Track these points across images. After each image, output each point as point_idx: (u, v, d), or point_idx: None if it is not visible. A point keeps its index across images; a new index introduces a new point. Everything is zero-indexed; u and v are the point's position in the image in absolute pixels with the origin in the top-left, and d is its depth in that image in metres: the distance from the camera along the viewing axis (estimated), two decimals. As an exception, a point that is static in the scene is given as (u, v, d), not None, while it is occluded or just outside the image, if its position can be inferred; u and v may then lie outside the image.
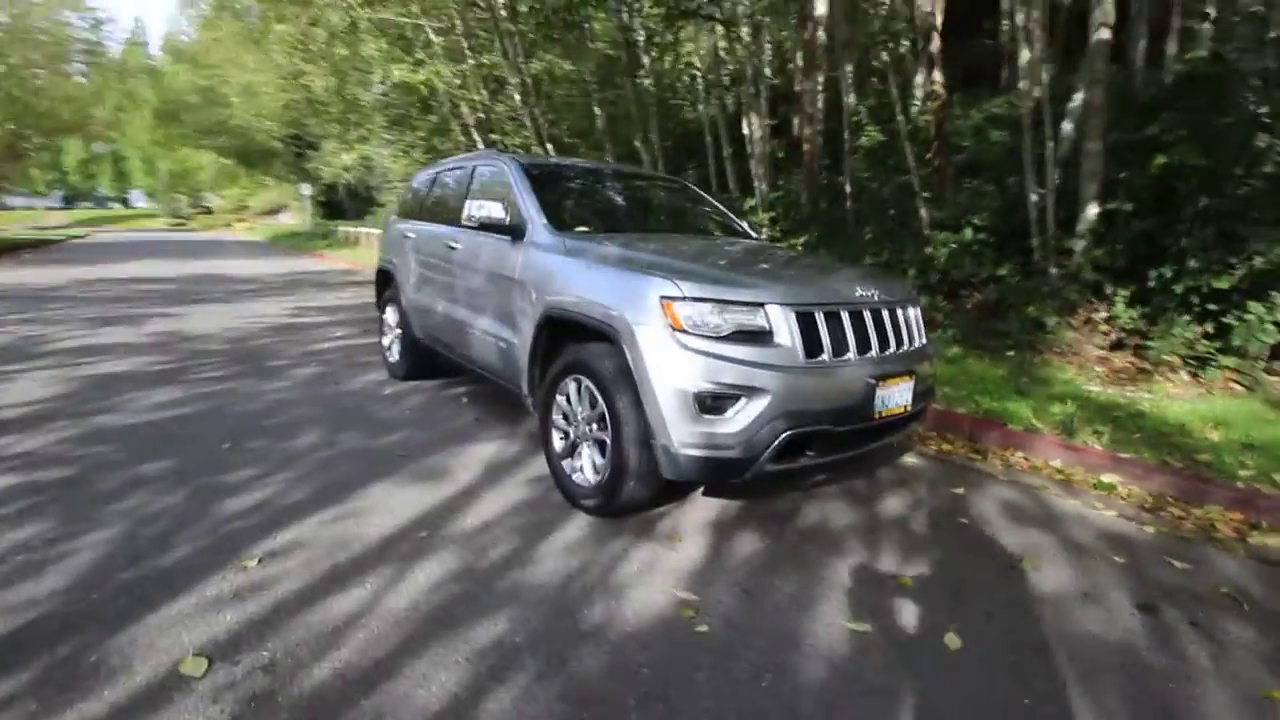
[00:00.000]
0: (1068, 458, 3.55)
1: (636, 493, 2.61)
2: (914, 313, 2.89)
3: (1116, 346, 5.27)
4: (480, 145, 13.39)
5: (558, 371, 2.90)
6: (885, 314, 2.69)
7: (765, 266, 2.91)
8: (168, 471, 3.11)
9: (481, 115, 12.79)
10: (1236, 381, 4.40)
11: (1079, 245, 5.69)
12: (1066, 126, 6.55)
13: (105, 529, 2.53)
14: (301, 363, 5.45)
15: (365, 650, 1.90)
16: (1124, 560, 2.58)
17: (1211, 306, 4.61)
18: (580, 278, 2.79)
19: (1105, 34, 5.41)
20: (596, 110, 11.16)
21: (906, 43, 8.36)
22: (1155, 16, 7.75)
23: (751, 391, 2.35)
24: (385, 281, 5.21)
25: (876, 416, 2.58)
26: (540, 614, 2.10)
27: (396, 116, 14.65)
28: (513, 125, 12.91)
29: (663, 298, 2.43)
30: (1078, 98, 5.98)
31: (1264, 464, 3.22)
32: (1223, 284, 4.46)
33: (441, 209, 4.41)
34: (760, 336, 2.40)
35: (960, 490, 3.21)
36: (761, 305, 2.42)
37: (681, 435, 2.38)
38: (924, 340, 2.91)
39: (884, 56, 8.61)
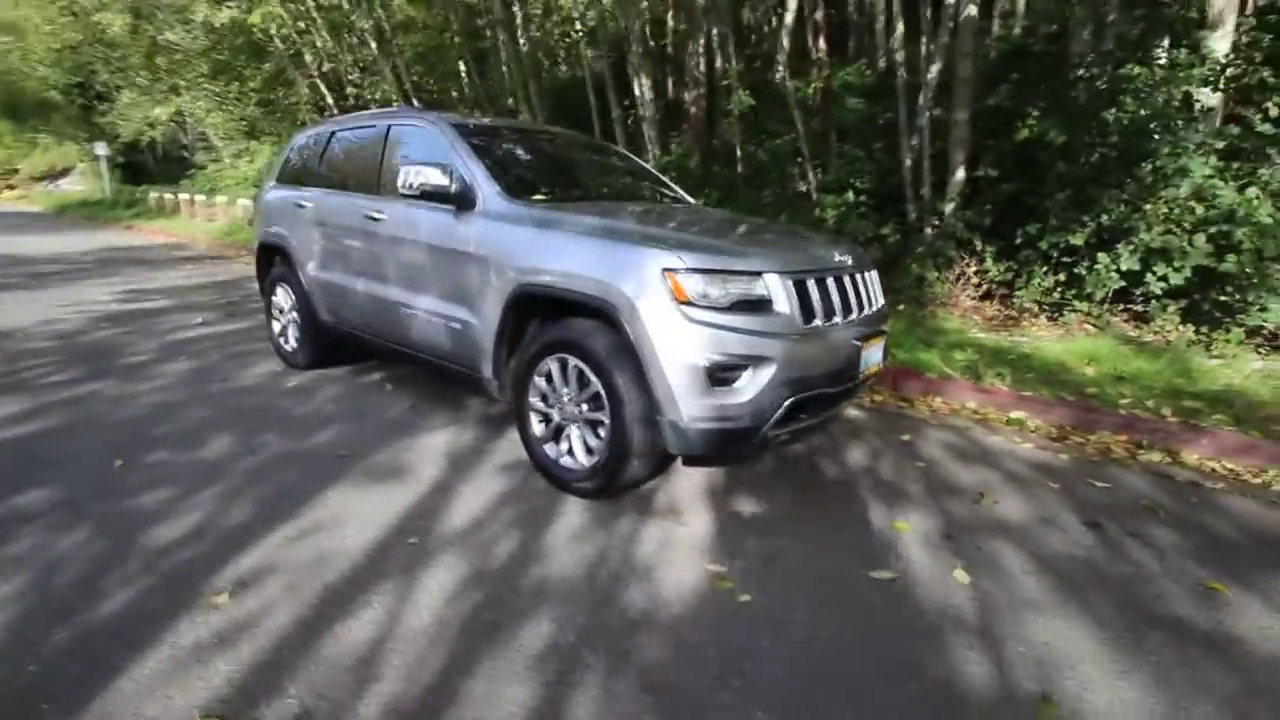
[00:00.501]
0: (980, 399, 3.97)
1: (639, 472, 2.55)
2: (874, 275, 3.03)
3: (986, 297, 5.93)
4: (330, 99, 12.09)
5: (535, 351, 2.73)
6: (858, 278, 2.80)
7: (746, 234, 2.90)
8: (55, 502, 2.56)
9: (330, 65, 11.51)
10: (1089, 324, 5.14)
11: (949, 207, 6.30)
12: (924, 97, 7.14)
13: (4, 583, 2.03)
14: (165, 357, 4.69)
15: (409, 677, 1.70)
16: (1057, 486, 2.94)
17: (1066, 259, 5.31)
18: (561, 251, 2.61)
19: (973, 10, 5.92)
20: (461, 66, 10.46)
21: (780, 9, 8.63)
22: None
23: (758, 360, 2.36)
24: (270, 258, 4.59)
25: (860, 376, 2.71)
26: (581, 607, 2.01)
27: (221, 65, 12.75)
28: (366, 77, 11.77)
29: (665, 270, 2.34)
30: (934, 69, 6.53)
31: (1136, 392, 3.80)
32: (1077, 239, 5.15)
33: (347, 175, 3.92)
34: (761, 305, 2.40)
35: (906, 437, 3.48)
36: (760, 274, 2.41)
37: (692, 409, 2.35)
38: (883, 300, 3.08)
39: (751, 20, 8.85)
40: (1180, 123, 4.86)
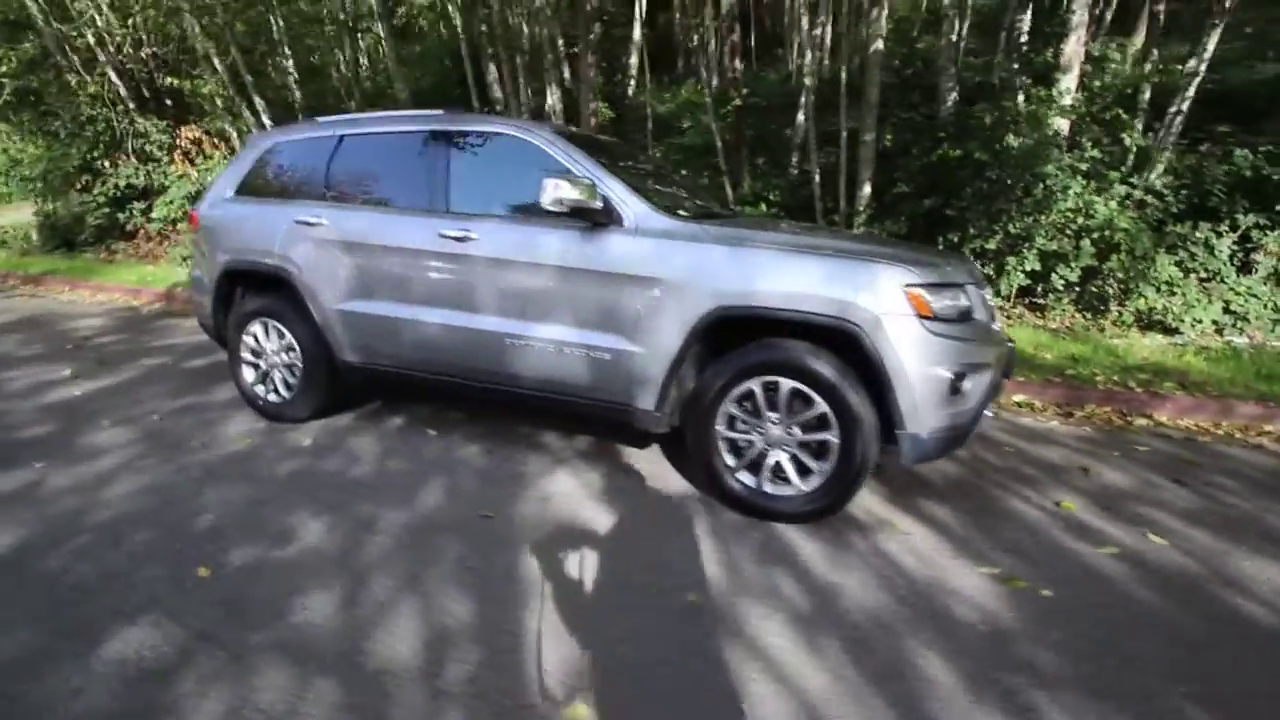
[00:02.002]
0: (985, 387, 4.54)
1: (859, 486, 2.56)
2: None
3: (908, 297, 6.72)
4: (121, 86, 9.98)
5: (731, 377, 2.59)
6: (987, 288, 3.08)
7: (915, 249, 2.96)
8: (181, 643, 1.87)
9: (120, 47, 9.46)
10: (1004, 317, 6.10)
11: (859, 219, 7.04)
12: (800, 117, 7.89)
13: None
14: (81, 429, 3.60)
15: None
16: (1117, 454, 3.49)
17: (981, 263, 6.24)
18: (775, 270, 2.51)
19: (880, 44, 6.70)
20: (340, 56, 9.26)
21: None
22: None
23: (979, 367, 2.50)
24: (232, 289, 3.73)
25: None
26: (941, 632, 1.98)
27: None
28: (177, 54, 9.88)
29: (906, 285, 2.39)
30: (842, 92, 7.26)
31: (1099, 370, 4.62)
32: (991, 245, 6.07)
33: (380, 188, 3.35)
34: (968, 315, 2.55)
35: (969, 427, 3.87)
36: (963, 285, 2.56)
37: (933, 420, 2.42)
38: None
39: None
40: (1059, 149, 5.99)
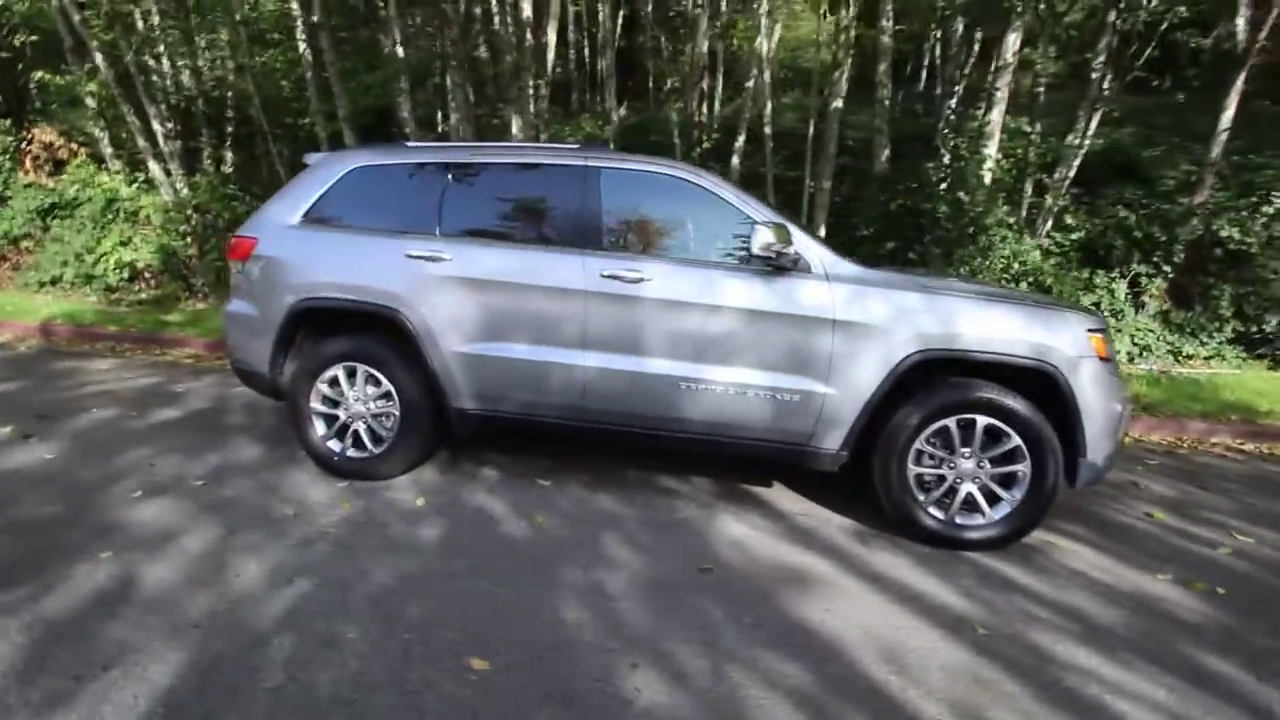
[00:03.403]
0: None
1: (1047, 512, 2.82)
2: None
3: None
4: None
5: (926, 415, 2.75)
6: None
7: (1040, 298, 3.28)
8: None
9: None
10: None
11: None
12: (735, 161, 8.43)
13: None
14: (107, 500, 2.95)
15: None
16: (1140, 468, 4.12)
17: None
18: (973, 317, 2.73)
19: (840, 103, 7.37)
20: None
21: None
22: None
23: (1127, 401, 2.89)
24: (294, 331, 3.28)
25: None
26: (1186, 637, 2.25)
27: None
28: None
29: (1089, 331, 2.71)
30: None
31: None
32: (946, 285, 6.87)
33: (518, 226, 3.16)
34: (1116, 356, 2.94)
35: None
36: (1105, 330, 2.94)
37: (1106, 449, 2.75)
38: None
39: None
40: (998, 205, 6.95)
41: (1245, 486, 3.78)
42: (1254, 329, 6.23)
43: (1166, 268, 6.60)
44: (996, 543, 2.80)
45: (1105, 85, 7.22)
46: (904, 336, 2.75)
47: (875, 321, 2.78)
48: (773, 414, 2.89)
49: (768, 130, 7.74)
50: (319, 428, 3.29)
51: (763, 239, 2.73)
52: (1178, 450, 4.53)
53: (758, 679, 1.95)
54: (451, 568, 2.50)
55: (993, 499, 2.80)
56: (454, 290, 3.07)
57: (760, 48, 7.80)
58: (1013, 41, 6.88)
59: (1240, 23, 6.25)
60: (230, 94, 9.05)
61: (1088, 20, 6.89)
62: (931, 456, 2.82)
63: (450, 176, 3.23)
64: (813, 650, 2.10)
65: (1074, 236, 6.85)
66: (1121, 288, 6.68)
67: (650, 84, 12.96)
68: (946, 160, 7.27)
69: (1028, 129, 7.33)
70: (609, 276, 2.94)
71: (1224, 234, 6.27)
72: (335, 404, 3.27)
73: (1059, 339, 2.70)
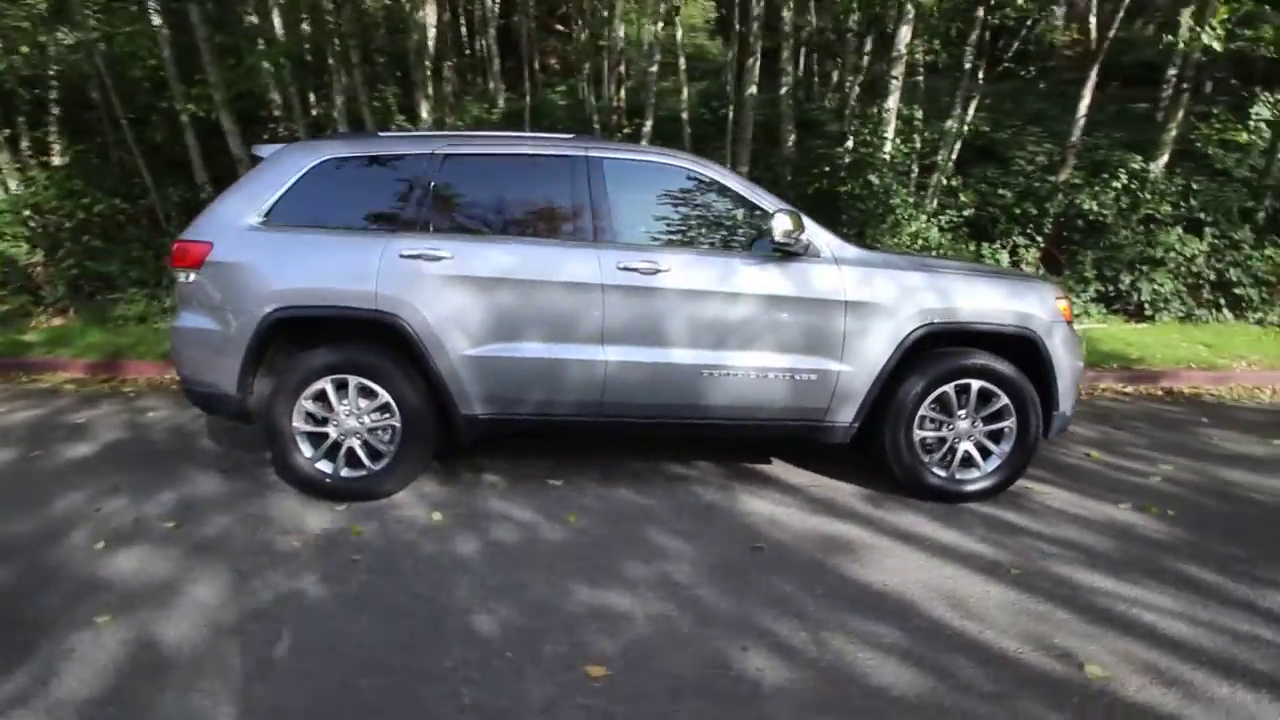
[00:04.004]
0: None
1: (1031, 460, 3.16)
2: None
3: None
4: None
5: (928, 384, 2.99)
6: None
7: (1006, 270, 3.62)
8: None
9: None
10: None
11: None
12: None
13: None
14: (68, 553, 2.57)
15: None
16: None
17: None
18: (967, 291, 2.99)
19: (754, 89, 7.63)
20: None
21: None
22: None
23: (1082, 357, 3.30)
24: (265, 344, 2.96)
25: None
26: (1162, 550, 2.64)
27: None
28: None
29: (1058, 298, 3.06)
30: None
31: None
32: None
33: (518, 220, 3.03)
34: (1070, 319, 3.34)
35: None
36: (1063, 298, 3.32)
37: (1072, 400, 3.13)
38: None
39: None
40: (904, 186, 7.53)
41: (1145, 422, 4.44)
42: (1111, 288, 7.25)
43: (1039, 238, 7.49)
44: (991, 492, 3.11)
45: (978, 75, 8.03)
46: (909, 313, 2.97)
47: (883, 300, 2.97)
48: (792, 394, 3.01)
49: (684, 115, 7.87)
50: (305, 449, 3.00)
51: (783, 226, 2.82)
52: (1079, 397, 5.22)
53: (856, 642, 2.07)
54: (513, 579, 2.40)
55: (984, 454, 3.11)
56: (458, 290, 2.90)
57: (646, 34, 7.88)
58: (905, 34, 7.45)
59: (1093, 22, 7.18)
60: (50, 73, 7.77)
61: (962, 14, 7.58)
62: (932, 421, 3.08)
63: (437, 169, 3.03)
64: (889, 609, 2.25)
65: (966, 214, 7.59)
66: (1004, 258, 7.50)
67: (537, 66, 12.69)
68: (850, 145, 7.79)
69: (917, 116, 8.00)
70: (626, 269, 2.91)
71: (1085, 207, 7.23)
72: (322, 421, 3.00)
73: (1036, 307, 3.04)
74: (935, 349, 3.04)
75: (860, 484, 3.29)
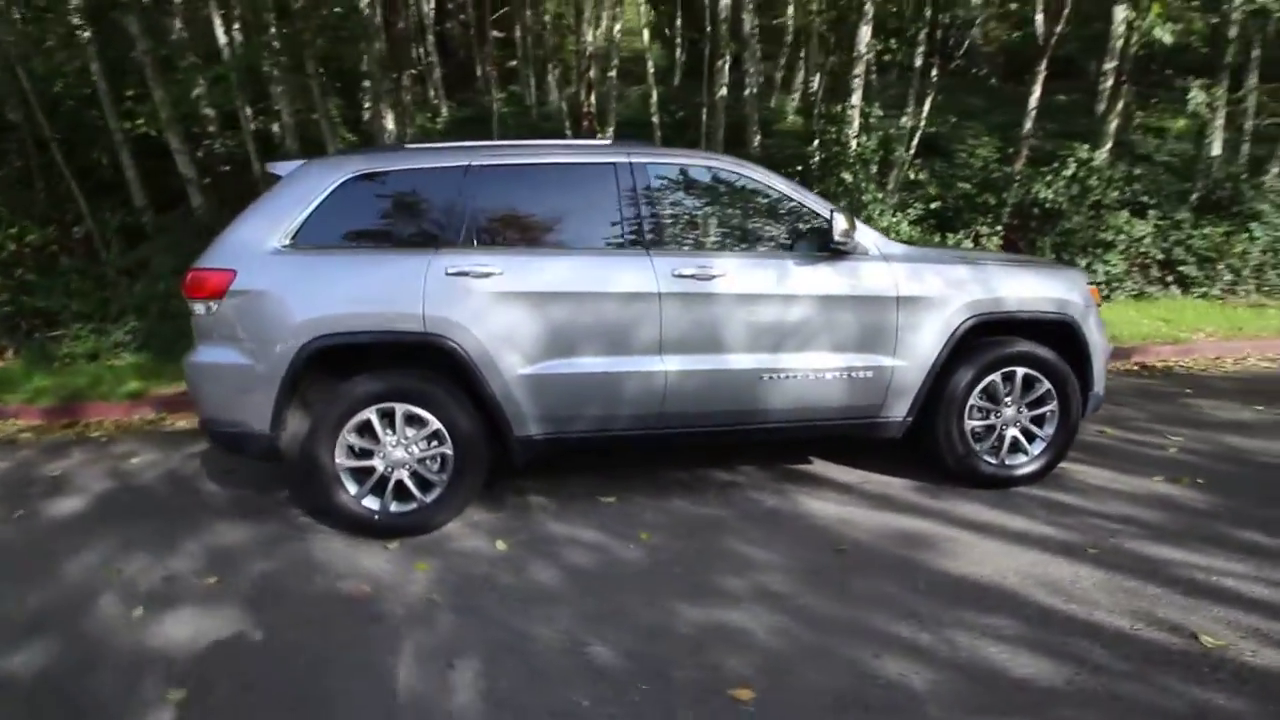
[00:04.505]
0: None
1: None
2: None
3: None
4: None
5: (977, 373, 3.05)
6: None
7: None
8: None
9: None
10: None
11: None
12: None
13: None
14: (106, 623, 2.31)
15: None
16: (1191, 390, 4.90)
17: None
18: (1010, 281, 3.07)
19: (724, 91, 7.69)
20: None
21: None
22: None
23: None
24: (298, 376, 2.74)
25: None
26: (1197, 520, 2.78)
27: None
28: None
29: (1088, 283, 3.18)
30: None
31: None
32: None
33: (562, 230, 2.94)
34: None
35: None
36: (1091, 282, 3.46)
37: (1103, 380, 3.26)
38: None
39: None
40: (873, 183, 7.74)
41: (1138, 398, 4.69)
42: (1069, 271, 7.67)
43: (999, 226, 7.85)
44: (1039, 475, 3.20)
45: (931, 73, 8.35)
46: (957, 305, 3.02)
47: (933, 294, 3.01)
48: (849, 392, 3.02)
49: (654, 119, 7.87)
50: (350, 486, 2.80)
51: (841, 225, 2.83)
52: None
53: (981, 636, 2.08)
54: (611, 604, 2.31)
55: (1029, 438, 3.20)
56: (511, 307, 2.78)
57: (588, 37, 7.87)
58: (865, 34, 7.67)
59: (1039, 20, 7.58)
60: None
61: (915, 13, 7.88)
62: (980, 410, 3.14)
63: (472, 181, 2.88)
64: (995, 600, 2.28)
65: (932, 206, 7.87)
66: (968, 245, 7.82)
67: (481, 71, 12.49)
68: (817, 144, 7.97)
69: (878, 113, 8.25)
70: (682, 275, 2.85)
71: (1041, 195, 7.61)
72: (366, 454, 2.81)
73: (1072, 292, 3.15)
74: (980, 339, 3.12)
75: (909, 477, 3.32)
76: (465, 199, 2.86)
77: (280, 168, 2.99)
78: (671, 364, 2.89)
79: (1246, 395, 4.57)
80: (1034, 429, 3.19)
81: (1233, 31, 7.36)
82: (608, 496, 3.20)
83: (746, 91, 8.37)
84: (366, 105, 9.08)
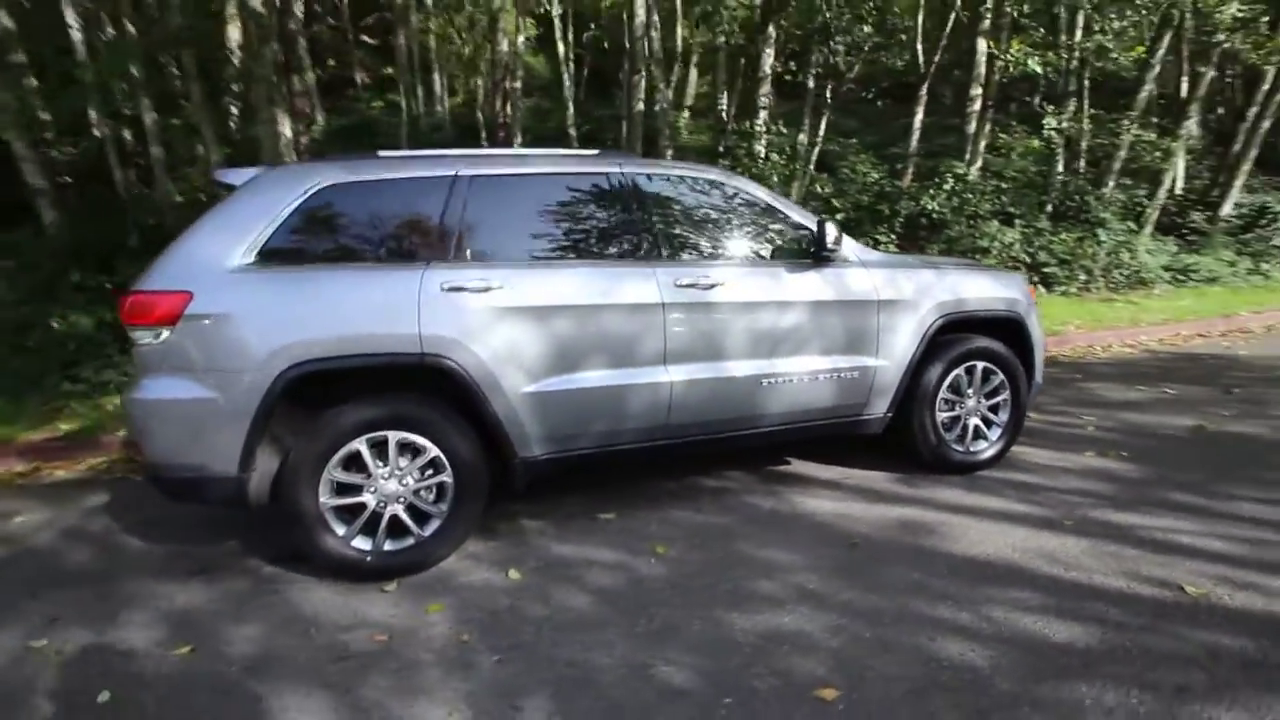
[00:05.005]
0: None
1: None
2: None
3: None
4: None
5: (944, 369, 3.28)
6: None
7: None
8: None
9: None
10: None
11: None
12: None
13: None
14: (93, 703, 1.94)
15: None
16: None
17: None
18: (968, 283, 3.32)
19: (641, 105, 7.80)
20: None
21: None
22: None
23: (1040, 333, 3.83)
24: (270, 408, 2.46)
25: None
26: (1143, 479, 3.16)
27: None
28: None
29: (1027, 283, 3.52)
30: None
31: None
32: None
33: (557, 241, 2.82)
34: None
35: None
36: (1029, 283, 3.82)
37: (1041, 371, 3.62)
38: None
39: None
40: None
41: (1047, 383, 5.25)
42: (955, 275, 8.47)
43: (894, 235, 8.54)
44: (997, 459, 3.48)
45: (827, 96, 8.97)
46: (928, 306, 3.24)
47: (907, 297, 3.21)
48: (837, 393, 3.15)
49: (572, 131, 7.83)
50: (336, 528, 2.52)
51: (832, 234, 2.95)
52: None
53: (1010, 609, 2.23)
54: (660, 622, 2.23)
55: (988, 425, 3.49)
56: (512, 322, 2.64)
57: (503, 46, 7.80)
58: (769, 56, 8.09)
59: (919, 47, 8.36)
60: None
61: (812, 41, 8.44)
62: (947, 402, 3.38)
63: (461, 192, 2.72)
64: (1010, 575, 2.45)
65: (839, 216, 8.41)
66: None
67: (359, 80, 11.93)
68: (729, 159, 8.29)
69: (783, 130, 8.73)
70: (684, 285, 2.85)
71: (928, 207, 8.37)
72: (352, 490, 2.55)
73: (1018, 293, 3.48)
74: (944, 337, 3.36)
75: (882, 469, 3.50)
76: (454, 210, 2.69)
77: (231, 175, 2.67)
78: (676, 374, 2.87)
79: (1126, 378, 5.26)
80: (991, 416, 3.49)
81: (1074, 65, 8.53)
82: (605, 513, 3.11)
83: (657, 106, 8.55)
84: (236, 112, 8.39)
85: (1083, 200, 8.85)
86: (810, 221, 3.16)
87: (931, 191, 8.58)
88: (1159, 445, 3.79)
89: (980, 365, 3.39)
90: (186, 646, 2.22)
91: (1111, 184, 9.05)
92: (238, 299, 2.42)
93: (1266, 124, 9.26)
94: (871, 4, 7.24)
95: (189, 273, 2.42)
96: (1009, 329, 3.47)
